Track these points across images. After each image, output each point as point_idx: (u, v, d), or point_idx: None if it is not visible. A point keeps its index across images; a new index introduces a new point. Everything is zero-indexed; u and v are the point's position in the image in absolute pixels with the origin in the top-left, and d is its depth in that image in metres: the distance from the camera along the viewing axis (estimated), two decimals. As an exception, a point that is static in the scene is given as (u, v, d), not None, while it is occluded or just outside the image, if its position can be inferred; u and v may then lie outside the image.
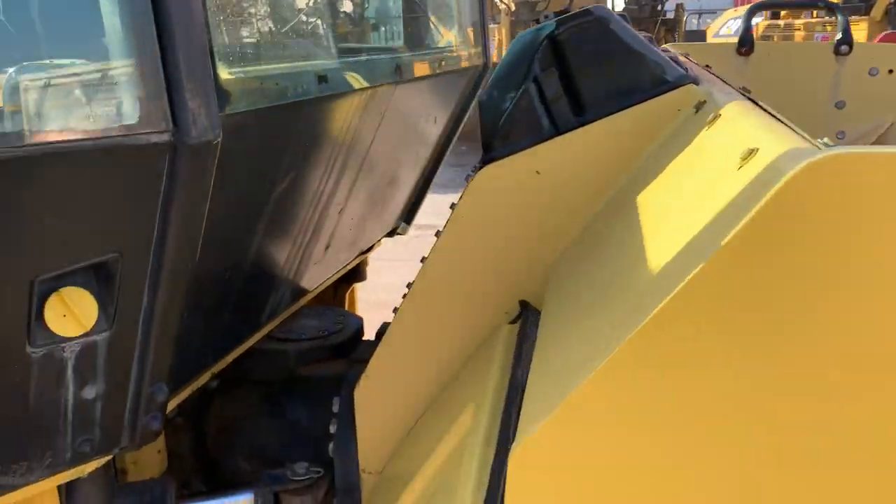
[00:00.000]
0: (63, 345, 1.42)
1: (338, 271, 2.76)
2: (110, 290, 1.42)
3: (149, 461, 2.15)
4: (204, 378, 2.02)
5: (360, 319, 2.69)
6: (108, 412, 1.55)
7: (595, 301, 1.44)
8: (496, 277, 2.01)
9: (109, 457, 1.64)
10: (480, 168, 1.98)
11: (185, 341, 1.64)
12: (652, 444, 1.12)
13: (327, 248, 2.45)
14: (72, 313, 1.39)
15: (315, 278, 2.50)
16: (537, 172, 1.91)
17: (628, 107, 1.84)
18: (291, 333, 2.48)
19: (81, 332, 1.42)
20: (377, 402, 2.13)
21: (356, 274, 3.26)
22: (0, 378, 1.41)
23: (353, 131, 2.15)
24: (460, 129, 3.13)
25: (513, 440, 1.39)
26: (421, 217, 3.28)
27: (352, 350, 2.51)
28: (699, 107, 1.74)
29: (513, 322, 2.00)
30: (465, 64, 3.01)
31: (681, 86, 1.83)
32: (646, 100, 1.84)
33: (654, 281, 1.16)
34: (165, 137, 1.30)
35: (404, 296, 2.16)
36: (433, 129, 2.94)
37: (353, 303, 3.46)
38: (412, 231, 3.29)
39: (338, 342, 2.49)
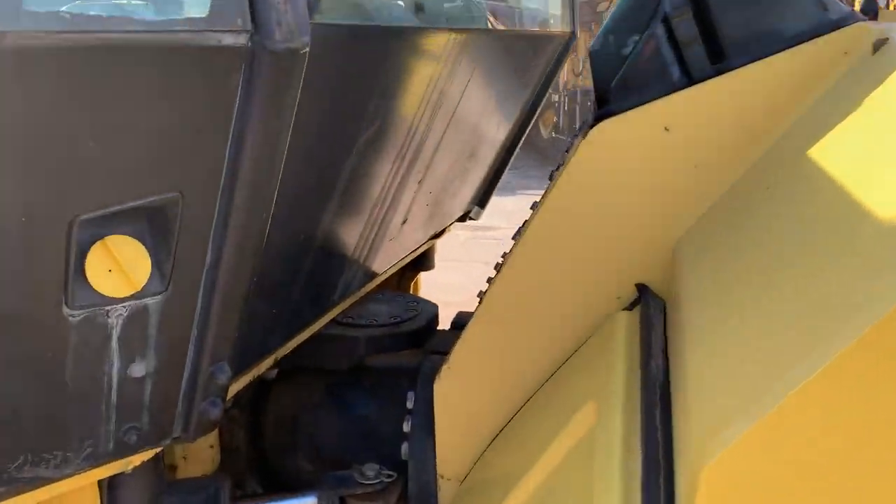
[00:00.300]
0: (107, 308, 1.20)
1: (409, 253, 2.52)
2: (166, 242, 1.17)
3: (200, 456, 1.99)
4: (267, 363, 1.79)
5: (436, 306, 2.43)
6: (159, 395, 1.33)
7: (771, 285, 1.17)
8: (608, 255, 1.74)
9: (158, 449, 1.43)
10: (594, 124, 1.69)
11: (252, 314, 1.39)
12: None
13: (404, 222, 2.21)
14: (119, 268, 1.16)
15: (388, 258, 2.28)
16: (665, 129, 1.65)
17: (780, 51, 1.59)
18: (360, 319, 2.23)
19: (130, 293, 1.20)
20: (460, 398, 1.91)
21: (424, 261, 3.06)
22: (31, 347, 1.16)
23: (443, 84, 1.89)
24: (541, 106, 2.94)
25: (663, 445, 1.11)
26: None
27: (427, 339, 2.28)
28: (878, 46, 1.44)
29: (627, 308, 1.72)
30: (552, 30, 2.84)
31: (848, 24, 1.53)
32: (803, 42, 1.55)
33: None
34: (242, 40, 1.04)
35: (488, 280, 1.90)
36: (515, 101, 2.73)
37: (417, 292, 3.27)
38: (468, 233, 3.08)
39: (412, 329, 2.26)
